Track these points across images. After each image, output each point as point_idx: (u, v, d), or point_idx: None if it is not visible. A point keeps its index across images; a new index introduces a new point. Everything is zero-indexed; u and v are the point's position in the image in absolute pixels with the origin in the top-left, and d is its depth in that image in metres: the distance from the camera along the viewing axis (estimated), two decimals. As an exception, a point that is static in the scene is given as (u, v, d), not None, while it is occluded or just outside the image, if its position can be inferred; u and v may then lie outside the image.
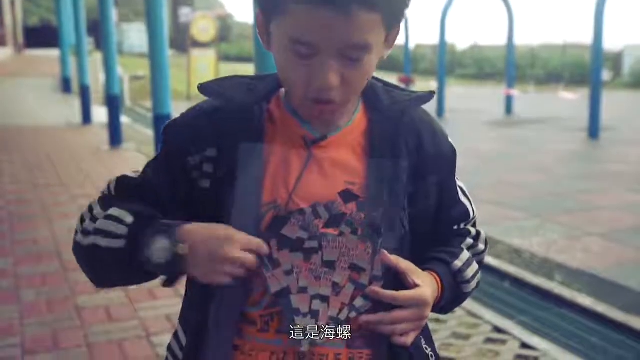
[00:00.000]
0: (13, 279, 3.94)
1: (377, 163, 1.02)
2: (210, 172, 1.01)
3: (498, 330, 3.27)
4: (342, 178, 1.01)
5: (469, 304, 3.60)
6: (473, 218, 1.18)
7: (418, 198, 1.05)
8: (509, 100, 14.16)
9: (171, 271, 0.98)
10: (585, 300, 3.74)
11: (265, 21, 0.99)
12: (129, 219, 0.99)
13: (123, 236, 0.98)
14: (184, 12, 40.90)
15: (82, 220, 1.05)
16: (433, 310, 1.07)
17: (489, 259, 4.48)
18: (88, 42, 15.17)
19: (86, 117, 11.47)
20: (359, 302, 0.98)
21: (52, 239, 4.75)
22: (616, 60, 22.45)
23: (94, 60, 15.62)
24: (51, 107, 13.71)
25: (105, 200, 1.05)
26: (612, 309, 3.62)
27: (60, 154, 8.49)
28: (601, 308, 3.62)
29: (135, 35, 34.57)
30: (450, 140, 1.13)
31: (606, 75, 13.89)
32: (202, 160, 1.01)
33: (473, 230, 1.15)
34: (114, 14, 9.62)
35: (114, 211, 1.01)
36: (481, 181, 7.18)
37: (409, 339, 0.99)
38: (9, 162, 7.91)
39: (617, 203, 6.19)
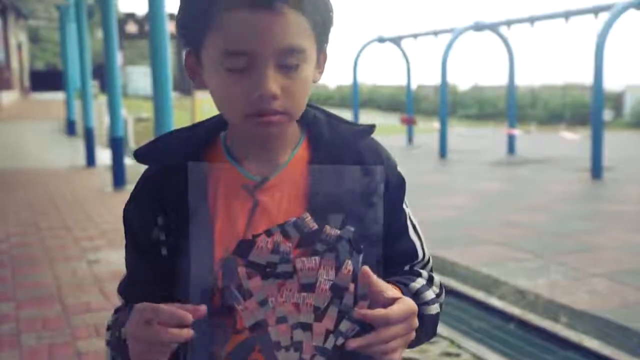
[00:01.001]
0: (14, 323, 3.92)
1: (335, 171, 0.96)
2: (164, 240, 1.01)
3: (504, 374, 3.22)
4: (289, 218, 0.96)
5: (474, 346, 3.56)
6: (424, 260, 1.11)
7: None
8: (511, 140, 14.22)
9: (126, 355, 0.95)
10: (591, 343, 3.69)
11: (194, 54, 0.99)
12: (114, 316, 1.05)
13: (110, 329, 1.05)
14: (189, 55, 41.46)
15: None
16: None
17: (493, 301, 4.44)
18: (93, 84, 15.35)
19: (90, 159, 11.54)
20: (344, 325, 0.90)
21: (54, 282, 4.74)
22: (617, 100, 22.60)
23: (99, 103, 15.80)
24: (56, 150, 13.80)
25: (114, 312, 1.10)
26: (618, 352, 3.57)
27: (63, 196, 8.52)
28: (608, 351, 3.57)
29: (139, 78, 34.97)
30: (399, 169, 1.09)
31: (607, 115, 13.94)
32: (158, 230, 1.01)
33: (425, 273, 1.09)
34: (119, 57, 9.76)
35: (110, 319, 1.07)
36: (485, 221, 7.16)
37: (397, 355, 0.92)
38: (13, 205, 7.93)
39: (621, 244, 6.16)
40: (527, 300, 4.55)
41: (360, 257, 0.91)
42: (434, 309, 1.04)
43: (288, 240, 0.91)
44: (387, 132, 19.04)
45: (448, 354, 3.45)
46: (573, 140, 15.47)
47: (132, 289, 1.08)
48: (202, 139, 1.04)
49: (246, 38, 0.90)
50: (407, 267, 1.08)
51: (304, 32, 0.94)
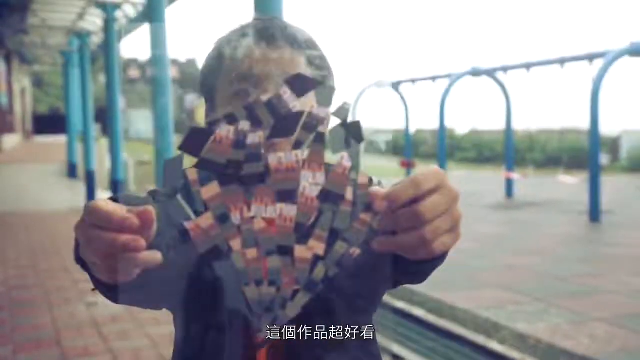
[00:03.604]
0: (12, 367, 3.90)
1: None
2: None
3: (504, 419, 3.20)
4: None
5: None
6: None
7: None
8: (509, 184, 14.29)
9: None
10: (592, 388, 3.66)
11: (210, 100, 1.07)
12: None
13: None
14: (189, 98, 41.98)
15: None
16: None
17: (494, 345, 4.42)
18: (95, 128, 15.52)
19: (90, 202, 11.58)
20: (340, 247, 0.66)
21: (52, 324, 4.71)
22: (614, 144, 22.80)
23: (101, 146, 15.93)
24: (57, 192, 13.83)
25: None
26: (620, 396, 3.54)
27: (63, 239, 8.51)
28: (609, 395, 3.55)
29: (141, 122, 35.28)
30: None
31: (604, 159, 14.04)
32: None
33: None
34: (121, 101, 9.90)
35: None
36: (484, 265, 7.15)
37: (442, 242, 0.69)
38: (13, 247, 7.93)
39: (621, 287, 6.15)
40: (527, 345, 4.53)
41: (362, 148, 0.68)
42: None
43: (258, 128, 0.65)
44: (387, 175, 19.13)
45: (448, 399, 3.42)
46: (571, 184, 15.55)
47: None
48: None
49: (252, 65, 0.99)
50: None
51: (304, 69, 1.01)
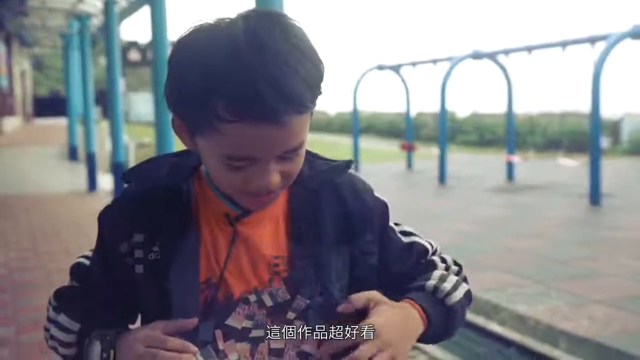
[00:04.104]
0: (15, 347, 3.93)
1: (301, 248, 1.02)
2: (141, 257, 1.02)
3: (503, 399, 3.23)
4: (268, 252, 1.01)
5: (473, 372, 3.56)
6: (435, 250, 1.19)
7: (357, 259, 1.05)
8: (510, 167, 14.28)
9: None
10: (591, 369, 3.69)
11: (188, 131, 0.96)
12: (75, 327, 1.06)
13: (73, 344, 1.06)
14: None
15: (48, 309, 1.13)
16: (429, 337, 1.06)
17: (493, 326, 4.45)
18: (95, 110, 15.49)
19: (92, 184, 11.59)
20: None
21: (54, 306, 4.74)
22: (615, 127, 22.71)
23: (102, 129, 15.91)
24: (58, 175, 13.85)
25: (61, 298, 1.11)
26: (618, 377, 3.57)
27: (64, 221, 8.54)
28: (608, 376, 3.58)
29: (142, 104, 35.21)
30: (377, 194, 1.12)
31: (605, 142, 13.99)
32: (132, 247, 1.03)
33: (438, 260, 1.16)
34: (121, 84, 9.88)
35: (62, 319, 1.07)
36: (485, 247, 7.17)
37: None
38: (14, 229, 7.95)
39: (621, 270, 6.18)
40: (527, 326, 4.56)
41: (326, 326, 0.97)
42: (458, 295, 1.10)
43: (262, 308, 0.99)
44: (387, 158, 19.12)
45: (448, 379, 3.45)
46: (571, 167, 15.54)
47: (87, 280, 1.12)
48: (190, 163, 1.06)
49: (248, 146, 0.90)
50: (423, 260, 1.15)
51: (305, 126, 0.94)
